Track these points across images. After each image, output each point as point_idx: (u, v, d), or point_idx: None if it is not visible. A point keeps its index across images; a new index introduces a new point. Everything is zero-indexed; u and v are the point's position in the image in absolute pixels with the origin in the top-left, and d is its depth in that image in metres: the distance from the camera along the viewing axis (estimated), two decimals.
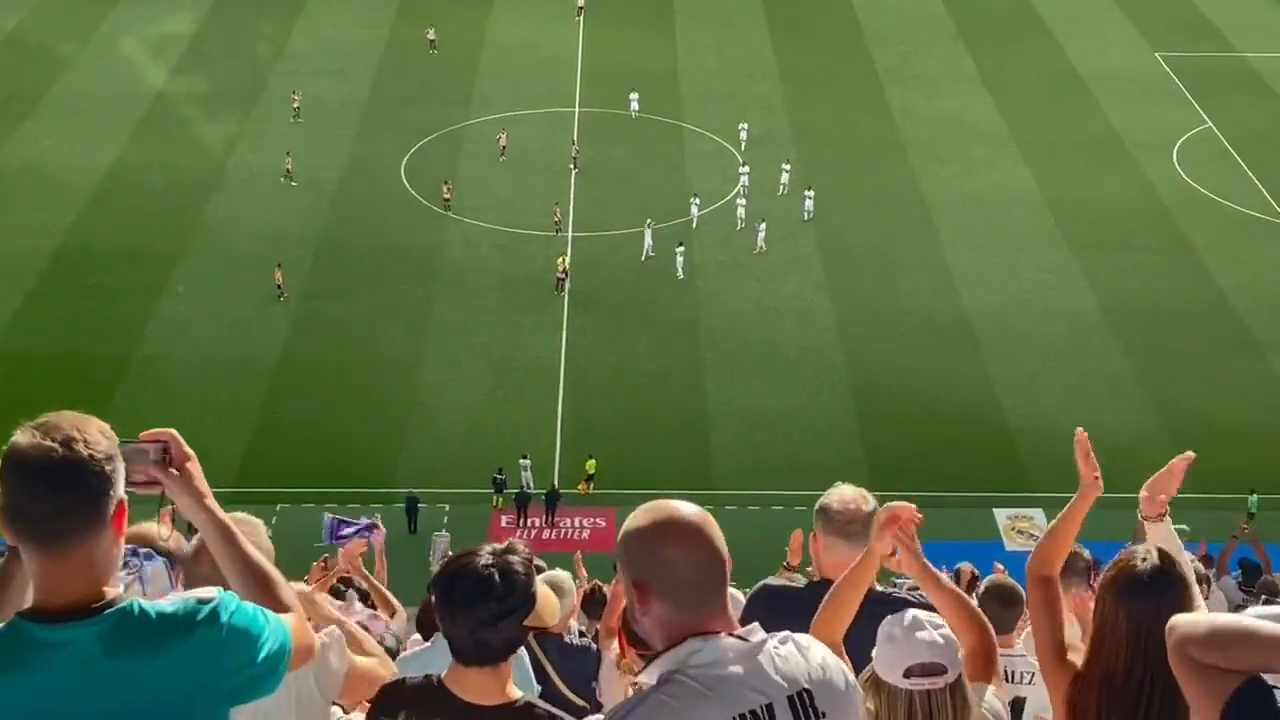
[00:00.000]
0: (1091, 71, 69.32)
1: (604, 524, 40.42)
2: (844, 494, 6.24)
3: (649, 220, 51.09)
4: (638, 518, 4.19)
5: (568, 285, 50.77)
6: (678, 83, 67.54)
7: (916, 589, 6.08)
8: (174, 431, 4.25)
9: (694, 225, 54.62)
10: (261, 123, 62.65)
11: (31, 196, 56.30)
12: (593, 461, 41.50)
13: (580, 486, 41.35)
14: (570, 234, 54.55)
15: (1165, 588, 4.85)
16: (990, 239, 54.78)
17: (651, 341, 48.33)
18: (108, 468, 3.83)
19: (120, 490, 3.89)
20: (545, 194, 56.80)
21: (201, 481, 4.29)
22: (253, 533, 5.43)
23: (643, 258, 50.81)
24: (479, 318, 49.42)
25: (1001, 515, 40.76)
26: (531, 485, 40.85)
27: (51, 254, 52.29)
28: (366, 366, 46.62)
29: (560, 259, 51.59)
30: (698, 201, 55.24)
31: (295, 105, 62.41)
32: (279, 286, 49.63)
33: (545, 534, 40.03)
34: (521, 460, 41.46)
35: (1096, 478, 5.93)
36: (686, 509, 4.22)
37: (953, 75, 68.76)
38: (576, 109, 65.16)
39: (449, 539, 10.93)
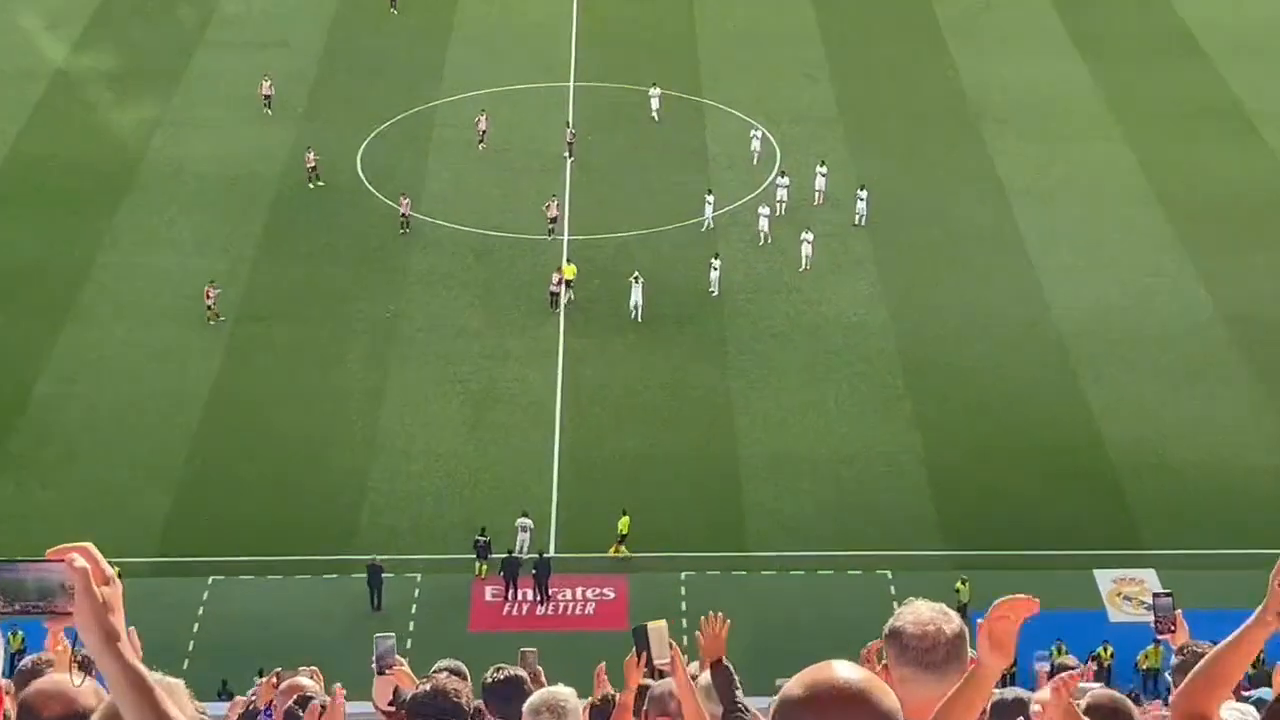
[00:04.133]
0: (1207, 27, 69.36)
1: (613, 595, 40.36)
2: (920, 613, 6.05)
3: (635, 273, 50.38)
4: (793, 686, 4.31)
5: (564, 300, 50.82)
6: (695, 49, 67.75)
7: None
8: (90, 546, 4.28)
9: (709, 227, 54.66)
10: (186, 106, 62.95)
11: None
12: (626, 519, 41.55)
13: (613, 549, 41.37)
14: (566, 237, 54.66)
15: None
16: (1085, 236, 54.76)
17: (669, 369, 48.36)
18: None
19: None
20: (535, 189, 56.95)
21: (120, 616, 4.30)
22: (172, 694, 5.37)
23: (632, 316, 49.98)
24: (455, 342, 49.51)
25: (1105, 578, 40.62)
26: (527, 548, 40.86)
27: None
28: (318, 404, 46.70)
29: (563, 268, 51.51)
30: (712, 200, 55.27)
31: (265, 94, 62.45)
32: (210, 308, 49.81)
33: (539, 609, 39.96)
34: (520, 520, 41.49)
35: None
36: (848, 674, 4.29)
37: (1035, 33, 68.88)
38: (571, 83, 65.35)
39: (393, 641, 10.66)
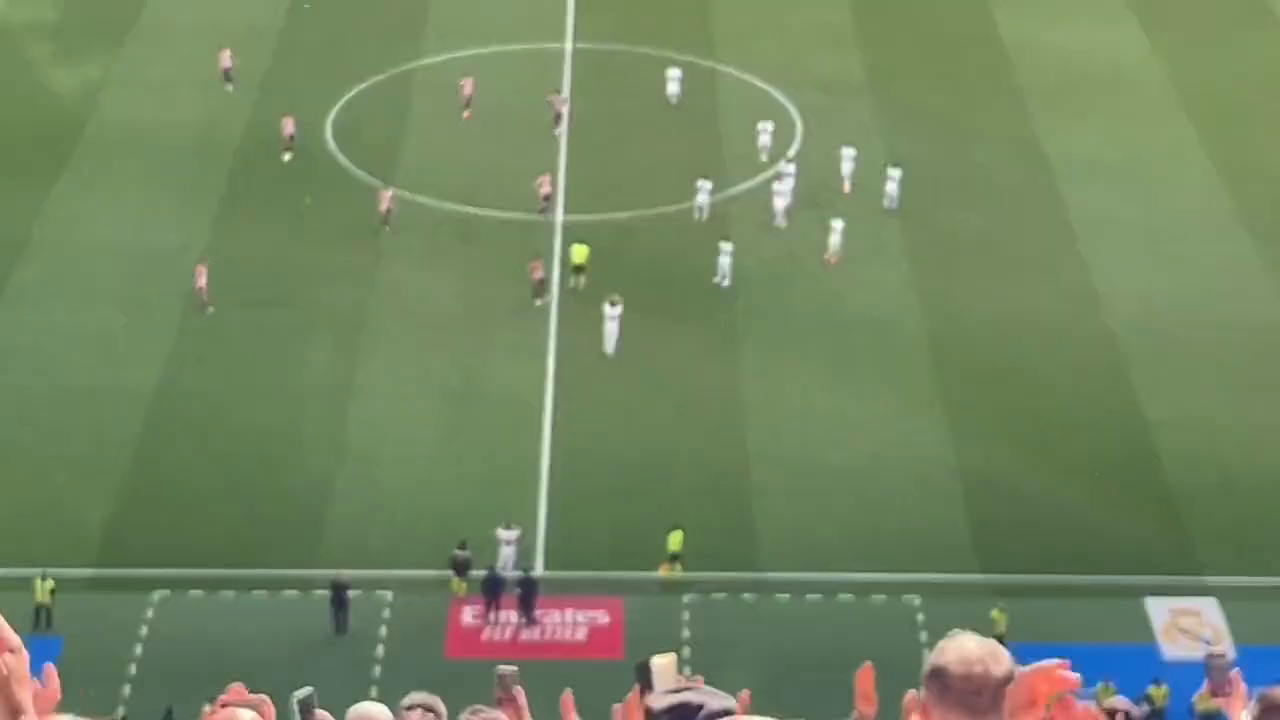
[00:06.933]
0: None
1: (607, 619, 40.35)
2: (967, 650, 5.96)
3: (613, 297, 48.82)
4: None
5: (552, 291, 50.76)
6: (708, 9, 67.71)
7: None
8: None
9: (701, 216, 54.49)
10: (136, 65, 62.92)
11: None
12: (678, 533, 41.42)
13: (663, 567, 41.31)
14: (559, 217, 54.66)
15: None
16: (1142, 223, 54.71)
17: (673, 367, 48.36)
18: None
19: None
20: (526, 163, 56.91)
21: (26, 690, 4.13)
22: None
23: (608, 351, 49.18)
24: (434, 333, 49.48)
25: (1159, 607, 40.60)
26: (511, 565, 40.90)
27: None
28: (278, 401, 46.67)
29: (574, 249, 51.33)
30: (708, 186, 54.94)
31: (225, 67, 61.81)
32: (200, 289, 49.51)
33: (524, 633, 40.00)
34: (503, 531, 41.45)
35: None
36: None
37: None
38: (569, 45, 65.32)
39: (314, 697, 10.06)
